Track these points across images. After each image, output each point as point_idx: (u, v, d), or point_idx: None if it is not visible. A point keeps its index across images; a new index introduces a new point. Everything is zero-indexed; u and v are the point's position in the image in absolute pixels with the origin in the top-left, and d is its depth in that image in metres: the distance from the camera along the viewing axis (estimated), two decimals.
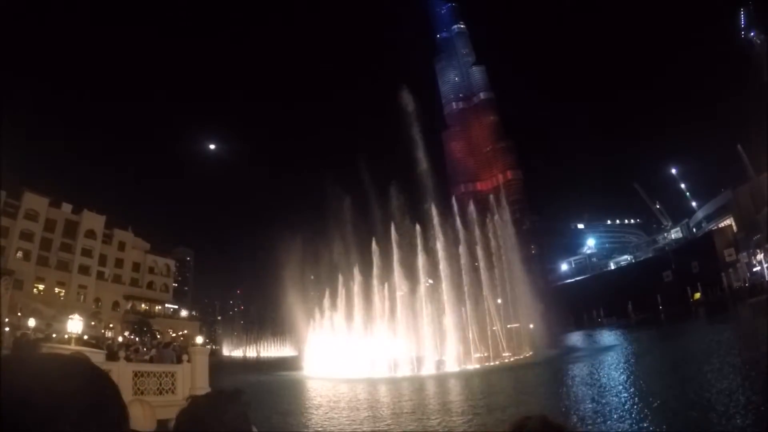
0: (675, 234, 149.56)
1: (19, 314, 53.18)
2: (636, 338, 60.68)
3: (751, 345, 32.69)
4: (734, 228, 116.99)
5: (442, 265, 59.34)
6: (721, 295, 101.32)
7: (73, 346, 19.73)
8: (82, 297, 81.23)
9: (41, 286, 76.29)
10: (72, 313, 23.66)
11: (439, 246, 60.76)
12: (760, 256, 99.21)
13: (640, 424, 17.34)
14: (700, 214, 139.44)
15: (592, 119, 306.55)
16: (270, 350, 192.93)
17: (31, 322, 35.51)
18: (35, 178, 73.64)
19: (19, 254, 73.92)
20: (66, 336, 22.79)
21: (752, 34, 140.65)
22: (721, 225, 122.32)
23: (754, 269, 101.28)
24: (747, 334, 42.93)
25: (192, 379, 23.13)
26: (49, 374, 0.90)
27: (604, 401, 22.78)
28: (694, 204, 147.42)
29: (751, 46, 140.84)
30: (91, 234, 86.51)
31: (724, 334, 43.62)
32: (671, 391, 22.04)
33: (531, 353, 55.18)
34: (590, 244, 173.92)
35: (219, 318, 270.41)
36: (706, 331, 53.33)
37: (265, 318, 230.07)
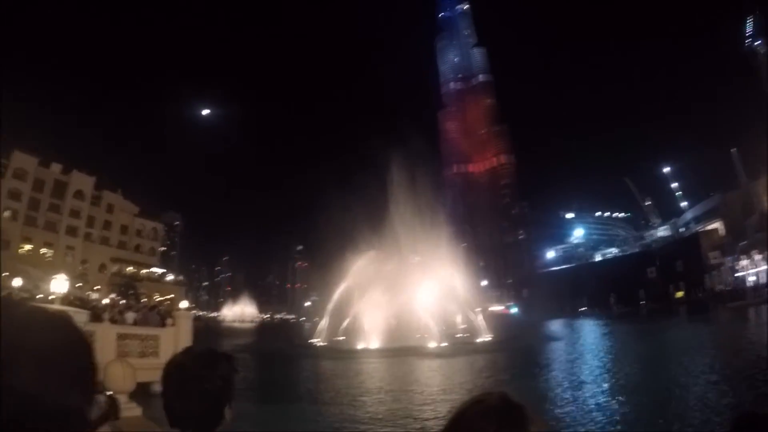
0: (662, 232, 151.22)
1: (5, 274, 53.20)
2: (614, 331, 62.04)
3: (728, 347, 33.83)
4: (721, 232, 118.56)
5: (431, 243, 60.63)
6: (702, 296, 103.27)
7: (57, 306, 20.04)
8: (69, 258, 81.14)
9: (28, 247, 76.05)
10: (57, 273, 23.89)
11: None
12: (744, 262, 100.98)
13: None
14: (688, 215, 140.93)
15: (591, 112, 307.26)
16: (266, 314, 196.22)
17: (17, 282, 35.62)
18: (25, 137, 72.61)
19: (7, 213, 73.38)
20: (51, 296, 23.09)
21: (757, 43, 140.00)
22: (709, 228, 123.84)
23: (737, 274, 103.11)
24: (724, 337, 44.18)
25: (175, 343, 23.45)
26: (32, 330, 0.90)
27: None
28: (684, 204, 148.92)
29: (754, 54, 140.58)
30: (79, 195, 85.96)
31: (701, 336, 44.58)
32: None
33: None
34: (578, 234, 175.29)
35: (205, 283, 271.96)
36: (685, 330, 54.42)
37: (253, 284, 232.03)
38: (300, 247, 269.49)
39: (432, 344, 48.58)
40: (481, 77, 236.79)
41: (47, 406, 0.85)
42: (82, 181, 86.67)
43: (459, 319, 57.13)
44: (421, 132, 74.22)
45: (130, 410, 11.62)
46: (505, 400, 1.18)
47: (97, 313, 24.79)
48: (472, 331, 55.00)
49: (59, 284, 22.02)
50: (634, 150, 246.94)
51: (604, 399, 20.14)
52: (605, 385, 23.50)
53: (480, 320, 56.57)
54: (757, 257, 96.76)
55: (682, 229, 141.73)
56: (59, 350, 0.92)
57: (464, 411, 1.19)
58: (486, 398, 1.20)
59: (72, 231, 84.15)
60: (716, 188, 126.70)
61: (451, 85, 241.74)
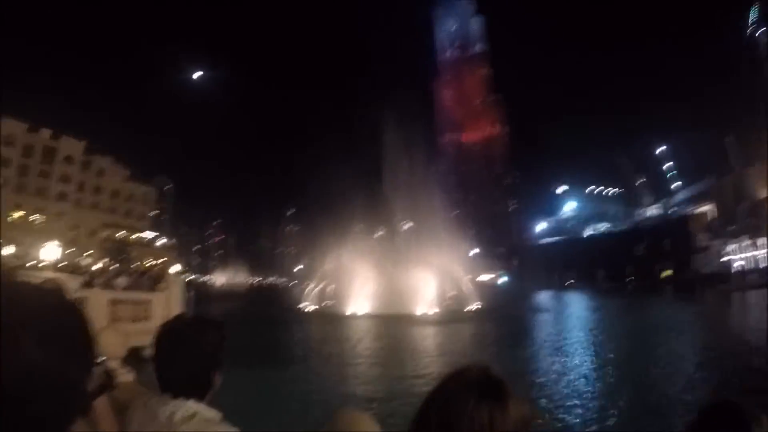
0: (654, 210, 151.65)
1: None
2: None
3: (708, 330, 34.71)
4: (711, 215, 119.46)
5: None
6: (688, 277, 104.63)
7: (49, 273, 20.18)
8: (60, 224, 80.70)
9: (18, 214, 75.43)
10: (48, 240, 24.01)
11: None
12: (732, 246, 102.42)
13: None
14: (680, 196, 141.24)
15: (590, 88, 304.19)
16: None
17: (9, 250, 35.52)
18: (13, 102, 71.14)
19: None
20: (42, 263, 23.21)
21: (759, 31, 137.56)
22: (700, 210, 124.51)
23: (723, 258, 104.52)
24: (706, 319, 45.11)
25: (167, 308, 23.69)
26: (20, 304, 0.88)
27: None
28: (676, 185, 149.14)
29: (755, 43, 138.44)
30: (69, 160, 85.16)
31: (682, 317, 45.22)
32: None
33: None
34: (569, 207, 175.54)
35: (197, 247, 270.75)
36: (668, 310, 55.07)
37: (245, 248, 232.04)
38: (292, 211, 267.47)
39: (421, 311, 49.33)
40: (478, 46, 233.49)
41: (47, 380, 0.85)
42: (71, 146, 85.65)
43: (449, 286, 57.74)
44: (415, 99, 73.45)
45: (124, 375, 12.01)
46: (486, 374, 1.22)
47: (89, 280, 24.94)
48: (461, 299, 55.69)
49: (50, 251, 22.19)
50: (630, 127, 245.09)
51: (583, 372, 20.80)
52: (584, 359, 24.20)
53: (469, 289, 57.35)
54: (745, 243, 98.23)
55: (673, 209, 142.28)
56: (55, 323, 0.91)
57: (445, 383, 1.23)
58: (467, 371, 1.24)
59: (62, 197, 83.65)
60: (710, 172, 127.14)
61: (448, 53, 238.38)
